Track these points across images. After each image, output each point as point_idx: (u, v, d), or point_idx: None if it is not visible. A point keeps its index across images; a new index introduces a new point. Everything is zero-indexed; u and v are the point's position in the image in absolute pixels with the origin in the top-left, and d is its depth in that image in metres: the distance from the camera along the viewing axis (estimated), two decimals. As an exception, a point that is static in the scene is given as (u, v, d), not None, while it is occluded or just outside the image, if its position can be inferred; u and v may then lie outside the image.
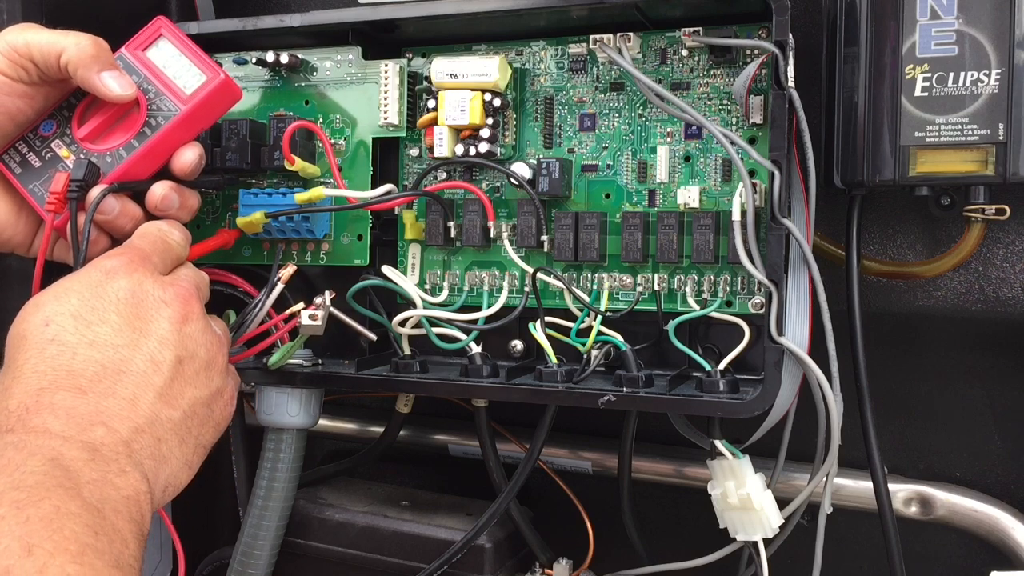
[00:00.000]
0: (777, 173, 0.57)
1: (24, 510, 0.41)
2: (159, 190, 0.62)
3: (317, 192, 0.65)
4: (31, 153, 0.63)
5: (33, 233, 0.64)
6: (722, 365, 0.61)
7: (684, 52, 0.64)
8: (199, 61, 0.63)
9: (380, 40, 0.70)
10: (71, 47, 0.59)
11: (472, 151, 0.65)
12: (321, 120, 0.71)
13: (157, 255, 0.58)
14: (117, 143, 0.62)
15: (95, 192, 0.60)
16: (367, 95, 0.70)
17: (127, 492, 0.46)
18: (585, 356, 0.63)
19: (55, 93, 0.63)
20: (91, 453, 0.46)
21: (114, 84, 0.60)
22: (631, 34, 0.64)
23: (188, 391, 0.53)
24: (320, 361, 0.70)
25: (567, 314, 0.66)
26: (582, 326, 0.64)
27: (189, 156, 0.63)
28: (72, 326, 0.51)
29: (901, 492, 0.74)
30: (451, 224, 0.68)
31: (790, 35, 0.57)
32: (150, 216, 0.63)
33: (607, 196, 0.66)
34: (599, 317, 0.64)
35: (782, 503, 0.64)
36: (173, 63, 0.63)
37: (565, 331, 0.65)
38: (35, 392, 0.48)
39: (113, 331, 0.51)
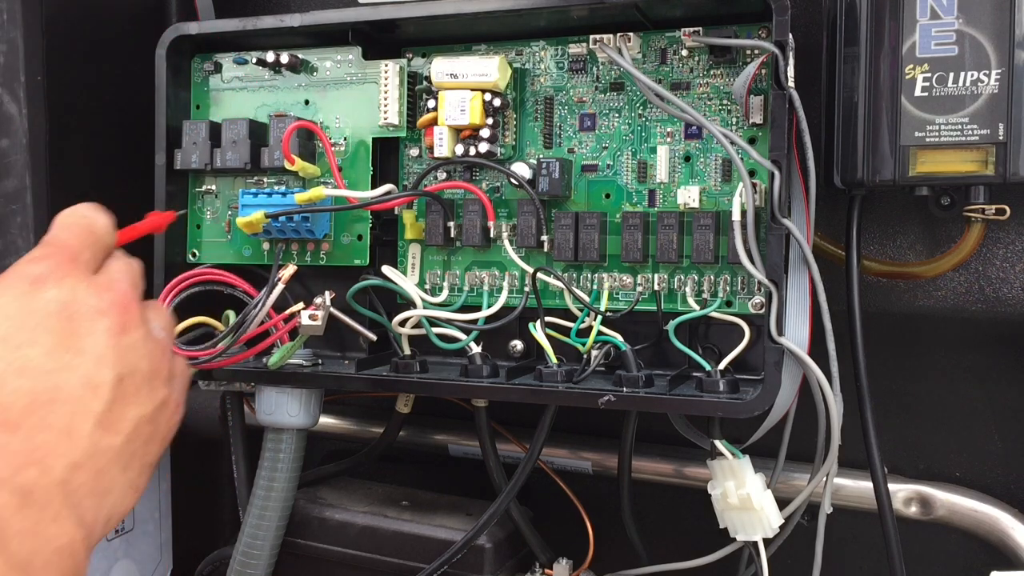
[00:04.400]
0: (777, 173, 0.57)
1: None
2: None
3: (317, 192, 0.65)
4: None
5: None
6: (722, 365, 0.61)
7: (684, 52, 0.64)
8: None
9: (380, 40, 0.70)
10: None
11: (472, 151, 0.65)
12: (321, 120, 0.71)
13: (87, 250, 0.49)
14: None
15: None
16: (367, 95, 0.70)
17: (60, 542, 0.42)
18: (585, 356, 0.63)
19: None
20: (22, 498, 0.41)
21: None
22: (631, 34, 0.64)
23: (130, 411, 0.47)
24: (320, 361, 0.70)
25: (567, 314, 0.66)
26: (582, 326, 0.64)
27: None
28: None
29: (901, 492, 0.74)
30: (451, 224, 0.68)
31: (790, 35, 0.57)
32: None
33: (607, 196, 0.66)
34: (599, 317, 0.64)
35: (782, 503, 0.64)
36: None
37: (565, 331, 0.65)
38: None
39: (44, 353, 0.44)
